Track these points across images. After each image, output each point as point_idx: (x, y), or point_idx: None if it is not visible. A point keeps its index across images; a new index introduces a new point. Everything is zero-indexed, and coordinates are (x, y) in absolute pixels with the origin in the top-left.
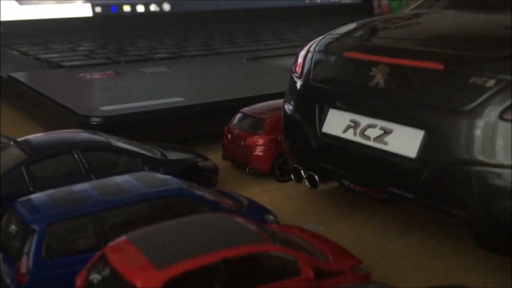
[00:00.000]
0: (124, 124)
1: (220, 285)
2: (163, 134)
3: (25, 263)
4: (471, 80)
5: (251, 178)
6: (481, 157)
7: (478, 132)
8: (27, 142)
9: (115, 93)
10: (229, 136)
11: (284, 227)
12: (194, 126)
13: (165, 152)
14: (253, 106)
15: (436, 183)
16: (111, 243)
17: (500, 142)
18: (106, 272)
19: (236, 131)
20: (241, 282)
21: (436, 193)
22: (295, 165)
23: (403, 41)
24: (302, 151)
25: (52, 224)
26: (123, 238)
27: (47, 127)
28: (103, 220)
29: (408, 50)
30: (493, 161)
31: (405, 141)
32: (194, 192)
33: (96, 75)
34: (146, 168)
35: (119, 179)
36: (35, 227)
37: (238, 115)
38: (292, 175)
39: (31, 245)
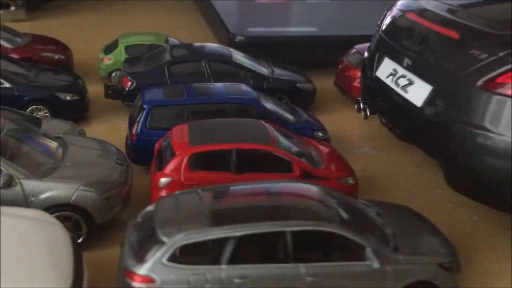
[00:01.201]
0: (261, 44)
1: (232, 166)
2: (290, 56)
3: (136, 128)
4: (472, 51)
5: (344, 105)
6: (461, 116)
7: (461, 95)
8: (174, 48)
9: (268, 18)
10: (341, 66)
11: (305, 139)
12: (318, 53)
13: (274, 70)
14: (366, 44)
15: (427, 130)
16: (177, 125)
17: (477, 107)
18: (168, 141)
19: (345, 63)
20: (247, 167)
21: (426, 137)
22: (359, 98)
23: (445, 10)
24: (364, 88)
25: (156, 107)
26: (186, 124)
27: (216, 36)
28: (189, 110)
29: (443, 18)
30: (468, 121)
31: (419, 92)
32: (261, 104)
33: (267, 0)
34: (251, 82)
35: (216, 85)
36: (146, 106)
37: (352, 50)
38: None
39: (141, 118)
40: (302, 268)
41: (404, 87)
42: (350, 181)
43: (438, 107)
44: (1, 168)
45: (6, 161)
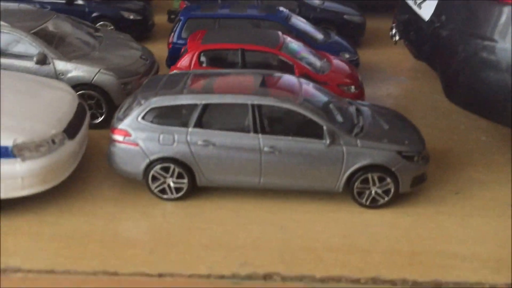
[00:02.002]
0: None
1: (237, 64)
2: None
3: (172, 37)
4: None
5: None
6: (460, 25)
7: (460, 5)
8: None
9: None
10: None
11: (322, 53)
12: None
13: (325, 1)
14: None
15: (431, 43)
16: (197, 31)
17: (474, 15)
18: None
19: None
20: (252, 67)
21: (431, 51)
22: (393, 24)
23: None
24: (396, 13)
25: (190, 19)
26: (205, 30)
27: None
28: (219, 24)
29: None
30: (466, 29)
31: (428, 7)
32: (288, 23)
33: None
34: (297, 11)
35: (252, 5)
36: (181, 18)
37: None
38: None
39: (177, 28)
40: (261, 139)
41: (419, 4)
42: (352, 89)
43: (442, 19)
44: (40, 48)
45: (43, 43)
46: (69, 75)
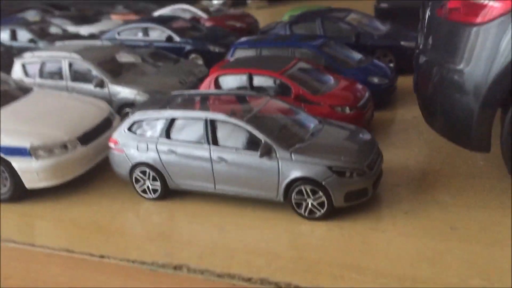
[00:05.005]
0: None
1: (246, 87)
2: None
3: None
4: None
5: None
6: (429, 50)
7: (429, 28)
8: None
9: None
10: None
11: (337, 76)
12: None
13: (385, 29)
14: None
15: (415, 71)
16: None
17: (438, 37)
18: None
19: None
20: (256, 89)
21: (415, 79)
22: None
23: None
24: None
25: (238, 48)
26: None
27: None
28: (261, 52)
29: None
30: (433, 54)
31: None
32: (319, 50)
33: None
34: (353, 38)
35: (296, 35)
36: (232, 47)
37: None
38: None
39: (229, 55)
40: (212, 149)
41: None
42: (347, 111)
43: (426, 45)
44: (99, 74)
45: (102, 71)
46: (118, 96)
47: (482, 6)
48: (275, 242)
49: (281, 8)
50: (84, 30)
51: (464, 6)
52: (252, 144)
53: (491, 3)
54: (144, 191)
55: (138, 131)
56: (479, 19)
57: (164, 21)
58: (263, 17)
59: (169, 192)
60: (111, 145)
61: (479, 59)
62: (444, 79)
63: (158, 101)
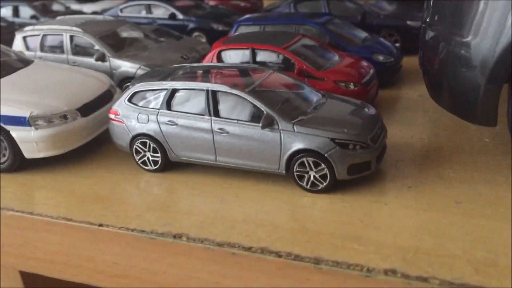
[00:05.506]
0: None
1: (248, 61)
2: None
3: None
4: None
5: None
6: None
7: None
8: None
9: None
10: None
11: (342, 53)
12: None
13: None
14: None
15: (420, 45)
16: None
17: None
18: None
19: None
20: (260, 63)
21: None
22: None
23: None
24: None
25: (241, 25)
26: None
27: None
28: (265, 29)
29: None
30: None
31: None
32: (324, 27)
33: None
34: (359, 17)
35: (300, 12)
36: (234, 25)
37: None
38: None
39: (231, 33)
40: (213, 121)
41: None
42: (351, 87)
43: (433, 20)
44: (100, 48)
45: (104, 45)
46: (119, 70)
47: None
48: (276, 214)
49: None
50: (88, 8)
51: None
52: (254, 116)
53: None
54: (144, 162)
55: (139, 103)
56: None
57: None
58: None
59: (170, 164)
60: (111, 116)
61: (486, 32)
62: (450, 53)
63: (159, 73)
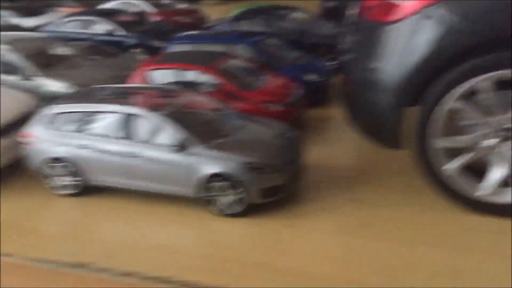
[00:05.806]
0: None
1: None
2: None
3: None
4: None
5: None
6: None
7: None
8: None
9: None
10: None
11: (262, 67)
12: None
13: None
14: None
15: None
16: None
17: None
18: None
19: None
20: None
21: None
22: None
23: None
24: None
25: (175, 44)
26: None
27: None
28: (197, 47)
29: None
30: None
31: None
32: (255, 47)
33: None
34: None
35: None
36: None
37: None
38: None
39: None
40: (124, 144)
41: None
42: (272, 107)
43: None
44: (26, 66)
45: (30, 62)
46: (46, 89)
47: (394, 5)
48: (186, 240)
49: (240, 4)
50: (27, 22)
51: (377, 5)
52: (169, 139)
53: (402, 2)
54: (56, 187)
55: (53, 125)
56: (391, 18)
57: (108, 14)
58: (219, 13)
59: (86, 188)
60: (24, 139)
61: (390, 57)
62: (359, 77)
63: (79, 94)
